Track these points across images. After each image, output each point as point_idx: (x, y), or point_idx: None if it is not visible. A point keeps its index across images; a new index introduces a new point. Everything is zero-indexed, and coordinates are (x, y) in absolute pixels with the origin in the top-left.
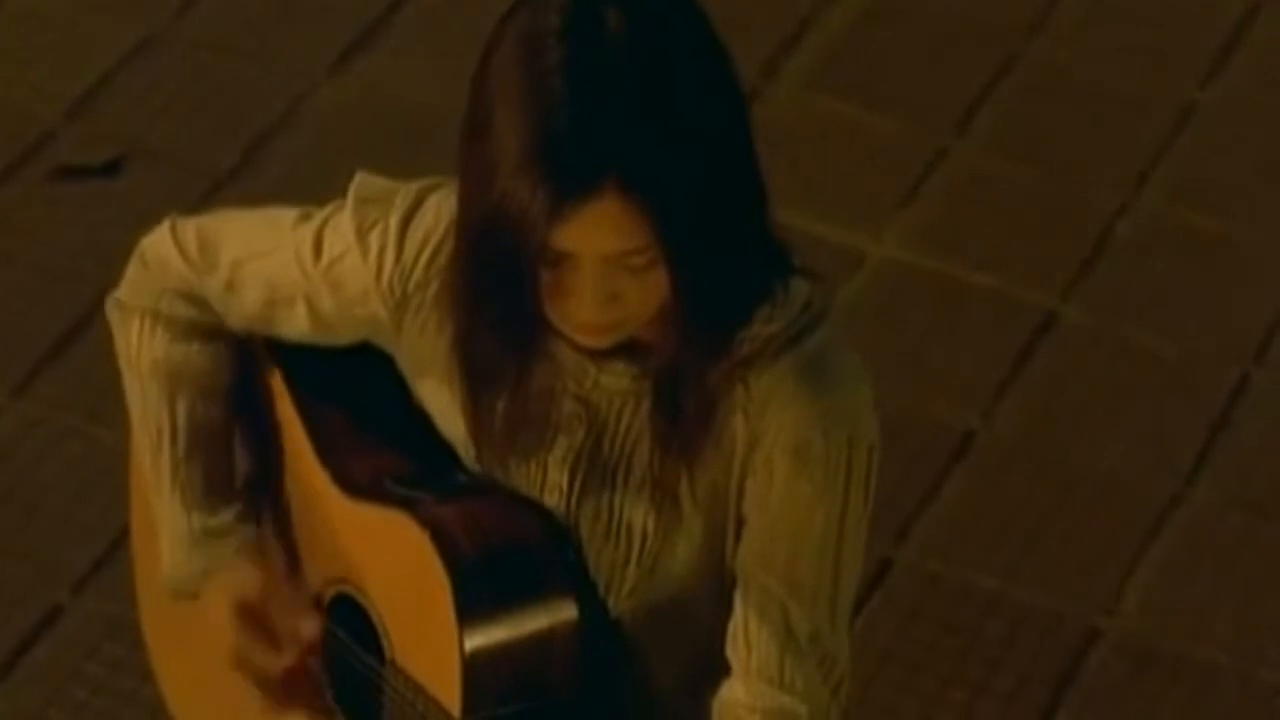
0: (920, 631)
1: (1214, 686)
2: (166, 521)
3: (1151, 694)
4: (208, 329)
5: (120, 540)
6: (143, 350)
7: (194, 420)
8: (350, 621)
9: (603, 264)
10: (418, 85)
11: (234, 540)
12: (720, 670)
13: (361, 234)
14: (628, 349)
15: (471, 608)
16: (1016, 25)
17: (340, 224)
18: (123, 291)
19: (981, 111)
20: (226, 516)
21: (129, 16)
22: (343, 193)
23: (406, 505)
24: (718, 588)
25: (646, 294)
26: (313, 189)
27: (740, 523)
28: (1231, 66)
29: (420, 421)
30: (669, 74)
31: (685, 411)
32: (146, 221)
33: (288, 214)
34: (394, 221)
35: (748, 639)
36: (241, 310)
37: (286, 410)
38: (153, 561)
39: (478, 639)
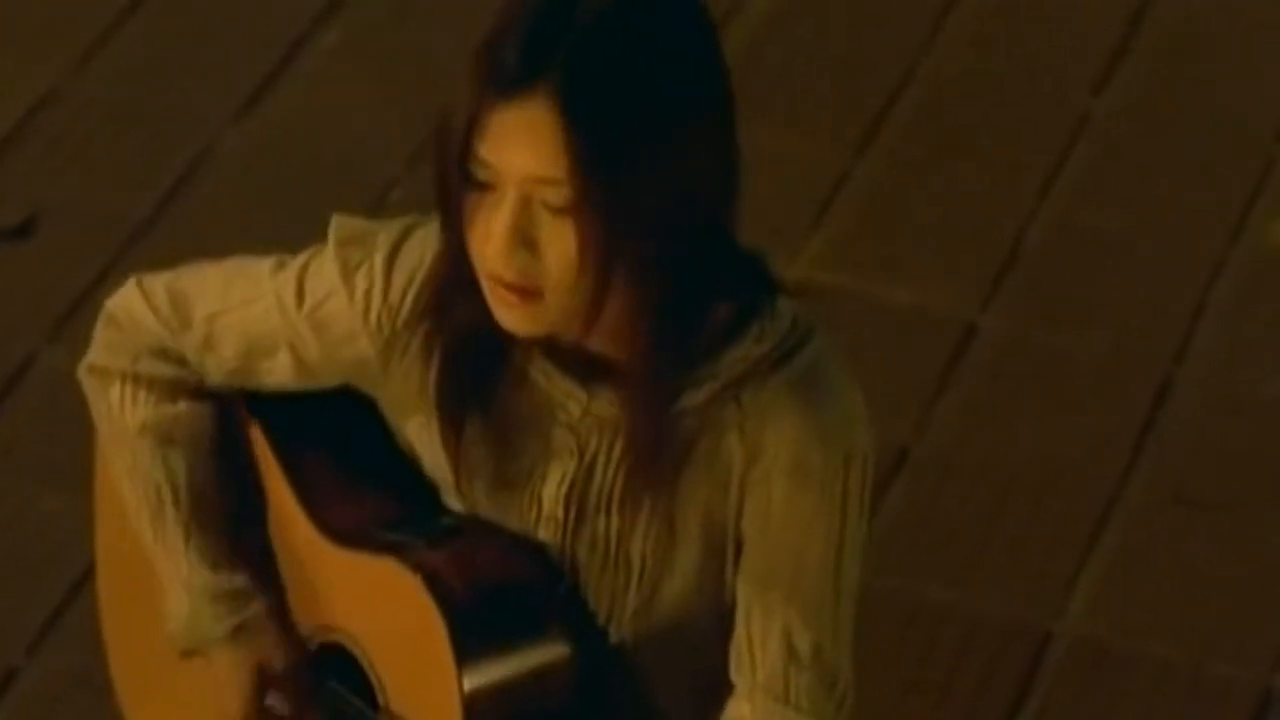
0: (877, 643)
1: (1168, 682)
2: (184, 579)
3: (1109, 693)
4: (191, 388)
5: (70, 596)
6: (127, 414)
7: (194, 480)
8: (341, 670)
9: (520, 195)
10: (324, 127)
11: (261, 602)
12: (724, 690)
13: (347, 275)
14: (619, 376)
15: (469, 648)
16: (908, 43)
17: (323, 267)
18: (95, 356)
19: (883, 128)
20: (245, 579)
21: (26, 74)
22: (263, 237)
23: (396, 551)
24: (718, 608)
25: (561, 254)
26: (230, 235)
27: (739, 542)
28: (1121, 72)
29: (403, 463)
30: (652, 29)
31: (651, 436)
32: (67, 277)
33: (262, 263)
34: (379, 260)
35: (751, 656)
36: (220, 365)
37: (267, 461)
38: (134, 618)
39: (477, 679)
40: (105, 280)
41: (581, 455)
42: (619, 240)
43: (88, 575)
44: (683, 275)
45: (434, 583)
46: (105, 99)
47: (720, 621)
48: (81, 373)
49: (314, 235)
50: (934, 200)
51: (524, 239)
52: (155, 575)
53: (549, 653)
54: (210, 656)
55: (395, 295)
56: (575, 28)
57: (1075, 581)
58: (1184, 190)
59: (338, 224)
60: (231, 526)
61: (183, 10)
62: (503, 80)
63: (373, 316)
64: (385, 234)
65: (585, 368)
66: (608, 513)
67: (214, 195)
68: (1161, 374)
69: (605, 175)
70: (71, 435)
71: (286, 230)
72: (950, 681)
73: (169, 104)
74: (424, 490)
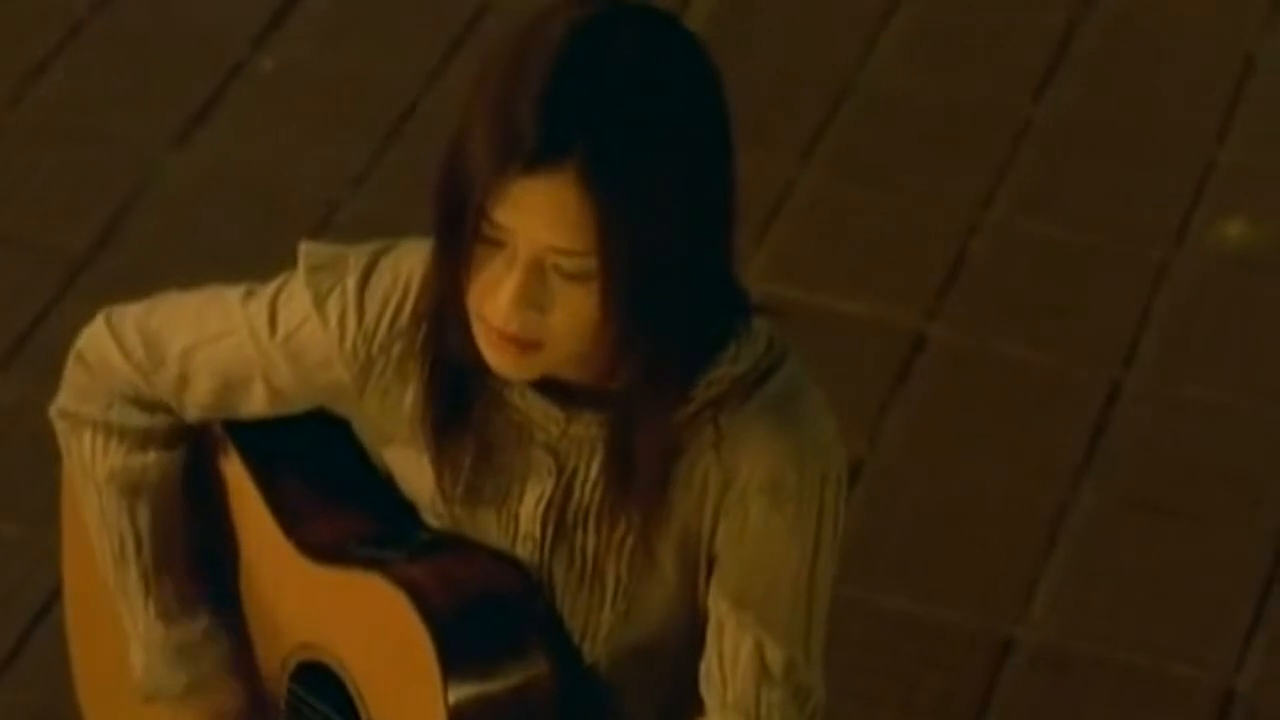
0: (839, 656)
1: (1132, 686)
2: (141, 632)
3: (1073, 699)
4: (163, 435)
5: (29, 631)
6: (97, 462)
7: (158, 530)
8: (320, 687)
9: (535, 258)
10: (265, 152)
11: (213, 654)
12: (694, 707)
13: (319, 301)
14: (597, 398)
15: (453, 661)
16: (846, 55)
17: (294, 294)
18: (67, 400)
19: (824, 140)
20: (201, 628)
21: None
22: (209, 264)
23: (377, 566)
24: (691, 626)
25: (569, 318)
26: (175, 263)
27: (711, 560)
28: (1057, 81)
29: (379, 482)
30: (666, 91)
31: (639, 459)
32: (11, 312)
33: (232, 293)
34: (351, 285)
35: (722, 673)
36: (196, 401)
37: (241, 486)
38: (103, 651)
39: (461, 692)
40: (51, 313)
41: (560, 474)
42: (641, 304)
43: (46, 609)
44: (690, 313)
45: (418, 596)
46: (42, 131)
47: (692, 641)
48: (53, 415)
49: (260, 261)
50: (878, 211)
51: (532, 300)
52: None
53: (532, 667)
54: (169, 707)
55: (370, 321)
56: (598, 101)
57: (1034, 588)
58: (1127, 195)
59: (307, 250)
60: (196, 570)
61: (117, 41)
62: (524, 153)
63: (347, 343)
64: (356, 259)
65: (564, 392)
66: (584, 531)
67: (157, 224)
68: (1110, 379)
69: (630, 247)
70: (25, 467)
71: (231, 257)
72: (913, 692)
73: (107, 134)
74: (402, 507)
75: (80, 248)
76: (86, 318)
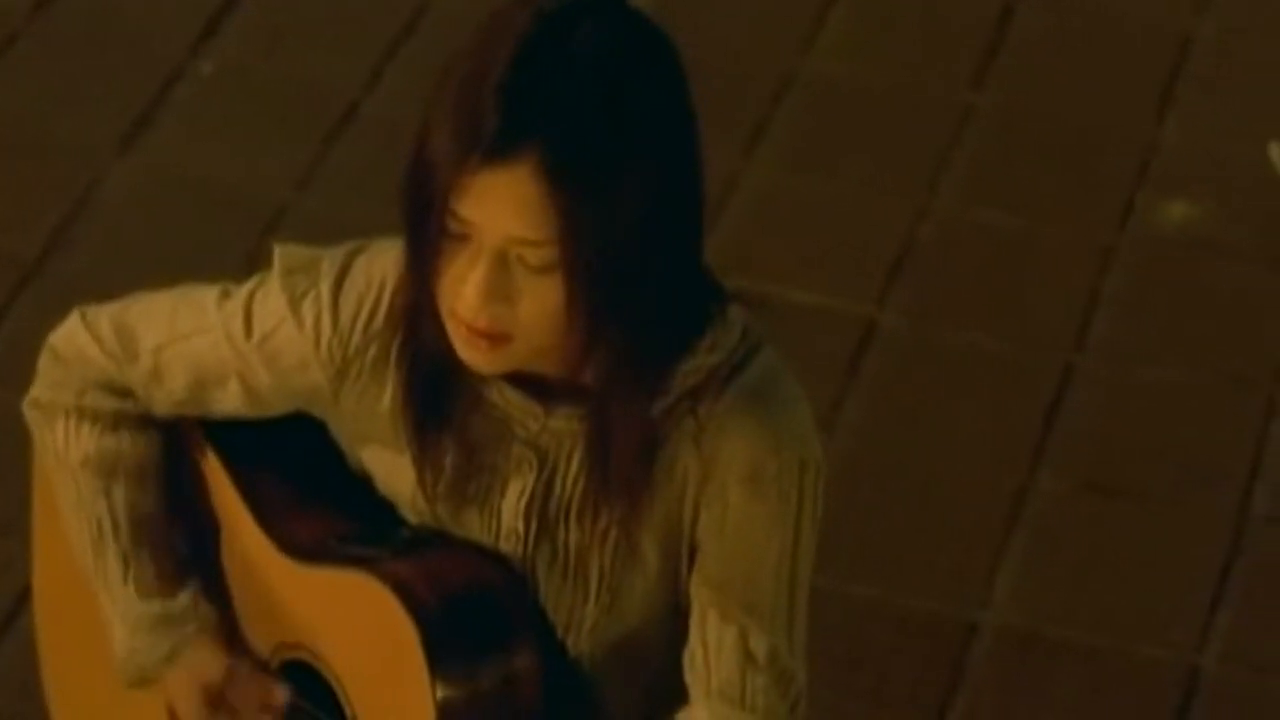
0: (807, 645)
1: (1098, 666)
2: (121, 611)
3: (1040, 680)
4: (136, 418)
5: None
6: (71, 447)
7: (134, 511)
8: (304, 686)
9: (499, 250)
10: (209, 156)
11: (195, 622)
12: (677, 697)
13: (294, 304)
14: (575, 392)
15: (441, 657)
16: (786, 44)
17: (269, 296)
18: (40, 391)
19: (768, 131)
20: (184, 599)
21: None
22: (158, 269)
23: (362, 564)
24: (674, 616)
25: (537, 310)
26: (124, 268)
27: (693, 549)
28: (997, 67)
29: (358, 481)
30: (626, 81)
31: (618, 451)
32: None
33: (207, 292)
34: (325, 288)
35: (707, 661)
36: (168, 396)
37: (220, 483)
38: (77, 658)
39: (449, 689)
40: (3, 319)
41: (541, 469)
42: (606, 294)
43: (13, 616)
44: (661, 304)
45: (404, 593)
46: None
47: (674, 632)
48: (26, 407)
49: (207, 263)
50: (824, 200)
51: (499, 292)
52: (99, 610)
53: (518, 661)
54: (159, 684)
55: (345, 323)
56: (558, 91)
57: (995, 573)
58: (1070, 179)
59: (281, 253)
60: (176, 552)
61: (57, 48)
62: (484, 145)
63: (323, 345)
64: (329, 261)
65: (542, 387)
66: (567, 525)
67: (102, 232)
68: (1062, 363)
69: (592, 238)
70: None
71: (180, 260)
72: (883, 679)
73: (50, 142)
74: (382, 505)
75: (30, 254)
76: (38, 323)
